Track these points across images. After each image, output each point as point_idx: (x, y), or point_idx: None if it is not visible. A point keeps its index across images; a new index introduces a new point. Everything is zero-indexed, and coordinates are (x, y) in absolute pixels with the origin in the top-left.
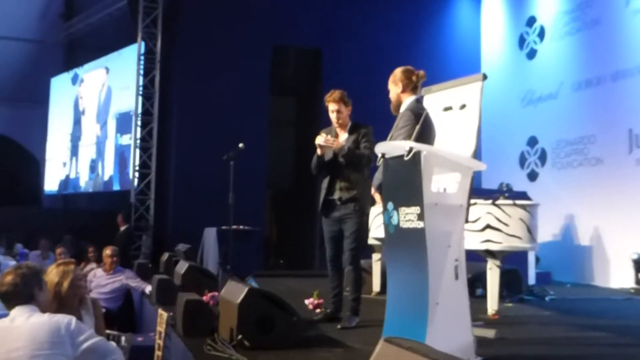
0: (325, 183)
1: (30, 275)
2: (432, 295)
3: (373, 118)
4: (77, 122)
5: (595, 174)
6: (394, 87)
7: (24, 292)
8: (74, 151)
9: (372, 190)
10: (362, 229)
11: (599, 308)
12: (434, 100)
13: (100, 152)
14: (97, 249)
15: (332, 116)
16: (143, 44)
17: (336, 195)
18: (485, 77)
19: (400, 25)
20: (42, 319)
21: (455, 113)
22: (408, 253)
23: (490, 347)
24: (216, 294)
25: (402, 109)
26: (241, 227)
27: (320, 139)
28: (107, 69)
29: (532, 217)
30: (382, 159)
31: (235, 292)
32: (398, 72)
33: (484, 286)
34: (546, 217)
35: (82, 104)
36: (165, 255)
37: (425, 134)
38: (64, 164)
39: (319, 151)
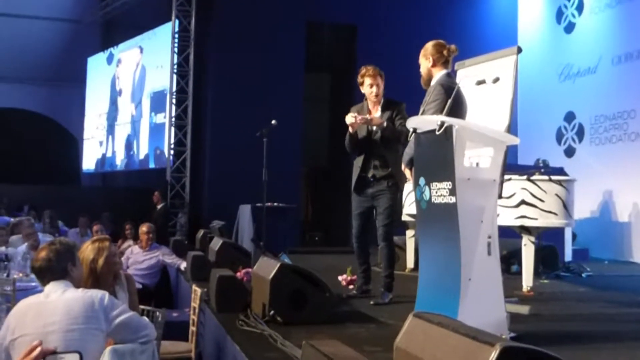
0: (359, 161)
1: (63, 251)
2: (464, 271)
3: (407, 95)
4: (113, 102)
5: (635, 149)
6: (425, 61)
7: (58, 267)
8: (110, 130)
9: (402, 166)
10: (395, 205)
11: (637, 285)
12: (468, 74)
13: (135, 130)
14: (134, 226)
15: (371, 90)
16: (177, 22)
17: (370, 173)
18: (520, 50)
19: (436, 0)
20: (76, 294)
21: (488, 87)
22: (440, 229)
23: (524, 323)
24: (250, 270)
25: (433, 83)
26: (275, 204)
27: (350, 118)
28: (141, 48)
29: (568, 193)
30: (413, 134)
31: (267, 267)
32: (429, 45)
33: (519, 263)
34: (583, 193)
35: (118, 83)
36: (201, 232)
37: (457, 108)
38: (101, 143)
39: (350, 129)
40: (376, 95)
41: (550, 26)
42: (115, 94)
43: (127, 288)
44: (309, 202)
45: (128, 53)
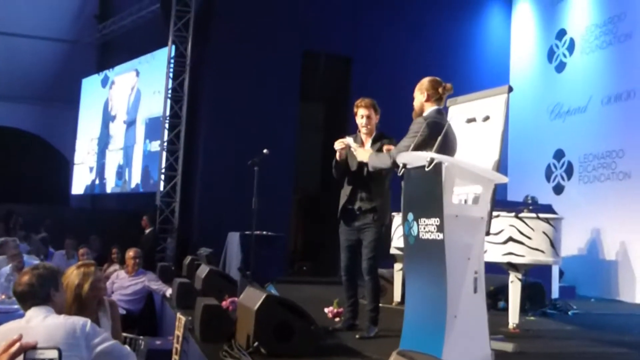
0: (346, 191)
1: (46, 275)
2: (450, 307)
3: (400, 127)
4: (105, 126)
5: (623, 188)
6: (419, 95)
7: (40, 292)
8: (101, 156)
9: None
10: (380, 238)
11: (624, 324)
12: (459, 111)
13: (127, 158)
14: (121, 250)
15: (362, 121)
16: (174, 47)
17: (356, 205)
18: (511, 89)
19: (430, 36)
20: (58, 320)
21: (478, 125)
22: (427, 264)
23: None
24: (236, 299)
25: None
26: (264, 232)
27: (338, 144)
28: (138, 72)
29: (555, 231)
30: (403, 169)
31: (253, 298)
32: (425, 81)
33: (506, 299)
34: (572, 230)
35: (111, 107)
36: (188, 259)
37: (445, 146)
38: (91, 169)
39: (337, 156)
40: (366, 127)
41: (541, 65)
42: (107, 118)
43: (110, 314)
44: (298, 231)
45: (123, 76)
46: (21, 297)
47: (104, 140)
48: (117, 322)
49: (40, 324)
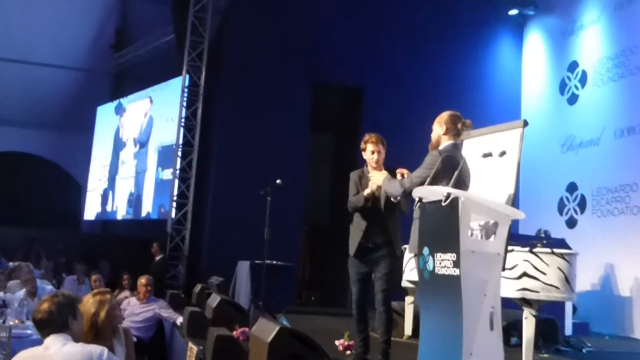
0: (361, 226)
1: (65, 304)
2: (465, 344)
3: (410, 159)
4: (117, 153)
5: (637, 222)
6: (438, 128)
7: (59, 320)
8: (112, 183)
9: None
10: (394, 270)
11: None
12: (473, 146)
13: (139, 185)
14: (132, 277)
15: (373, 157)
16: (187, 76)
17: (371, 240)
18: (526, 123)
19: (441, 69)
20: (75, 349)
21: (494, 160)
22: (442, 300)
23: None
24: (246, 329)
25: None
26: (274, 262)
27: (372, 189)
28: (151, 99)
29: (570, 267)
30: (419, 203)
31: (266, 330)
32: (445, 114)
33: (519, 335)
34: (585, 265)
35: (123, 134)
36: (198, 287)
37: (461, 181)
38: (102, 197)
39: (366, 194)
40: (377, 162)
41: (553, 97)
42: (119, 145)
43: (124, 342)
44: (307, 261)
45: (136, 103)
46: (40, 325)
47: (115, 167)
48: (131, 350)
49: (59, 351)
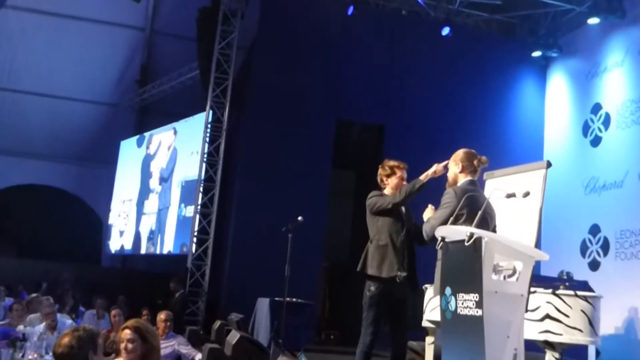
0: (391, 256)
1: (86, 338)
2: None
3: (431, 196)
4: (141, 187)
5: None
6: (454, 166)
7: (79, 355)
8: (135, 218)
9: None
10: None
11: None
12: (497, 186)
13: (161, 222)
14: (151, 312)
15: (403, 183)
16: (211, 112)
17: (400, 272)
18: (549, 164)
19: (464, 107)
20: None
21: (518, 200)
22: (465, 341)
23: None
24: None
25: None
26: (294, 299)
27: (439, 167)
28: (175, 131)
29: (594, 310)
30: (441, 243)
31: None
32: (461, 152)
33: None
34: (608, 308)
35: (148, 166)
36: (217, 324)
37: (484, 221)
38: (121, 233)
39: (431, 175)
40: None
41: (576, 139)
42: (145, 178)
43: None
44: (326, 299)
45: (161, 135)
46: (60, 359)
47: (138, 202)
48: None
49: None
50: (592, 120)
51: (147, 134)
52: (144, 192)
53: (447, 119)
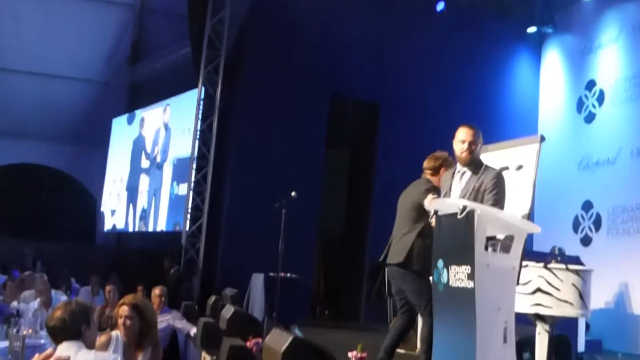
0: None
1: (78, 312)
2: (479, 357)
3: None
4: (133, 166)
5: None
6: (478, 144)
7: (72, 328)
8: (128, 196)
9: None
10: None
11: None
12: (490, 160)
13: (154, 201)
14: (147, 289)
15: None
16: (203, 89)
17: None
18: (543, 139)
19: (459, 83)
20: (89, 356)
21: (511, 173)
22: (456, 313)
23: None
24: (260, 340)
25: (482, 168)
26: (288, 274)
27: None
28: (167, 107)
29: (584, 283)
30: (434, 216)
31: (279, 340)
32: (479, 131)
33: (531, 351)
34: (599, 283)
35: (140, 145)
36: (212, 299)
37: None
38: (113, 212)
39: None
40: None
41: (570, 115)
42: (136, 157)
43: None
44: (320, 275)
45: (153, 112)
46: (53, 332)
47: (130, 180)
48: None
49: (72, 358)
50: (586, 97)
51: (137, 112)
52: (135, 170)
53: (442, 96)
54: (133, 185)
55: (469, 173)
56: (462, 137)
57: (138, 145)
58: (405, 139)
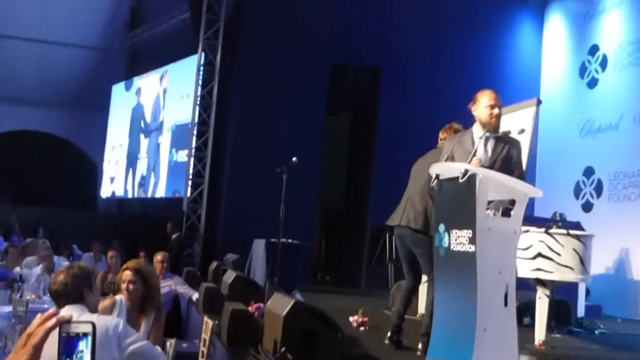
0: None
1: (80, 275)
2: (480, 321)
3: (429, 139)
4: (132, 132)
5: None
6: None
7: (74, 292)
8: (128, 163)
9: None
10: None
11: None
12: None
13: (153, 168)
14: (149, 255)
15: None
16: (203, 55)
17: None
18: (539, 102)
19: (460, 48)
20: (91, 319)
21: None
22: (458, 277)
23: None
24: (261, 305)
25: (506, 135)
26: (290, 240)
27: None
28: (164, 75)
29: (585, 248)
30: (435, 180)
31: (281, 304)
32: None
33: (531, 315)
34: (599, 249)
35: (139, 112)
36: (214, 264)
37: None
38: (112, 180)
39: None
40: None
41: (573, 81)
42: (135, 124)
43: (152, 321)
44: (321, 241)
45: (150, 78)
46: (55, 296)
47: (130, 147)
48: (158, 330)
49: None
50: (589, 62)
51: (135, 78)
52: (134, 137)
53: (444, 61)
54: (133, 152)
55: (493, 139)
56: (491, 102)
57: (137, 114)
58: (406, 104)
